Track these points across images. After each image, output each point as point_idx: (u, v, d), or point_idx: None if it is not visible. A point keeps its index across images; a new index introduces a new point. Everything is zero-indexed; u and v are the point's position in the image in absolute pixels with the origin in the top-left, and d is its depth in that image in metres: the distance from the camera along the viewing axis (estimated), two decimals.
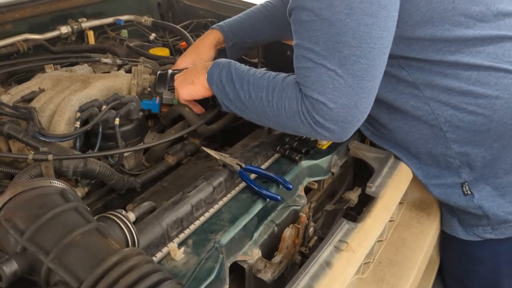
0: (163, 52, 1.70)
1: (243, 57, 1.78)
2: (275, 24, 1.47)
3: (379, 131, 1.20)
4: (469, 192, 1.08)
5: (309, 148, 1.10)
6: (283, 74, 1.03)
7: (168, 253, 0.82)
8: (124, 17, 1.83)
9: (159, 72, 1.33)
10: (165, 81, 1.30)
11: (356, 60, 0.87)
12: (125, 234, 0.70)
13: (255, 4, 1.95)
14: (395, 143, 1.18)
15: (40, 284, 0.69)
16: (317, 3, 0.87)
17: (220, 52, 1.46)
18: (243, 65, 1.09)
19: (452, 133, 1.05)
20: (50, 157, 0.97)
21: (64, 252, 0.60)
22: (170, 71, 1.32)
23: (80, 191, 1.12)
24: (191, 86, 1.18)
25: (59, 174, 1.06)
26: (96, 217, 0.71)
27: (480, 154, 1.05)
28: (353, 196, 1.13)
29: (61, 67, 1.47)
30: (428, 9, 0.94)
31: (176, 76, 1.24)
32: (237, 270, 0.91)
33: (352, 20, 0.85)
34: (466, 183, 1.08)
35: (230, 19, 1.50)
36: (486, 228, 1.09)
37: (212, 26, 1.47)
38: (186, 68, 1.29)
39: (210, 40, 1.43)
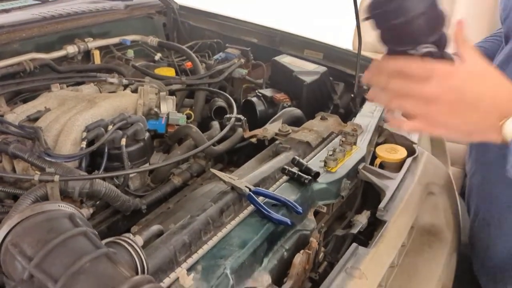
0: (169, 72, 1.70)
1: (247, 77, 1.79)
2: None
3: None
4: None
5: (318, 171, 1.08)
6: None
7: (177, 279, 0.79)
8: (130, 37, 1.84)
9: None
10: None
11: None
12: (135, 260, 0.68)
13: (260, 25, 1.98)
14: None
15: None
16: None
17: None
18: None
19: None
20: (56, 178, 0.96)
21: (73, 280, 0.58)
22: None
23: (85, 212, 1.10)
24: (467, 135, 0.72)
25: (65, 195, 1.04)
26: (104, 242, 0.69)
27: None
28: (363, 220, 1.11)
29: (67, 86, 1.46)
30: None
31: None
32: None
33: None
34: None
35: None
36: None
37: None
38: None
39: None
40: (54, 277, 0.58)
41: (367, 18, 0.73)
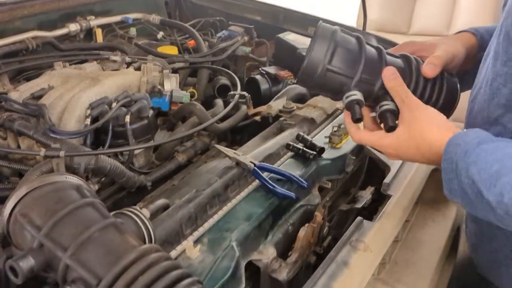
0: (172, 50, 1.69)
1: (251, 55, 1.77)
2: None
3: None
4: None
5: (323, 147, 1.08)
6: None
7: (183, 251, 0.80)
8: (132, 15, 1.82)
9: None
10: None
11: None
12: (142, 230, 0.69)
13: (263, 3, 1.95)
14: None
15: (51, 281, 0.67)
16: None
17: None
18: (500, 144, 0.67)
19: None
20: (61, 153, 0.96)
21: (82, 248, 0.59)
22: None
23: None
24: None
25: (70, 171, 1.04)
26: (112, 213, 0.69)
27: None
28: (367, 195, 1.11)
29: (70, 64, 1.46)
30: None
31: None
32: (251, 268, 0.89)
33: None
34: None
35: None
36: None
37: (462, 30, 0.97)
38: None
39: (459, 37, 0.94)
40: (64, 246, 0.59)
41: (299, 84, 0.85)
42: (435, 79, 0.82)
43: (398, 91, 0.77)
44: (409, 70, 0.80)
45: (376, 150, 0.84)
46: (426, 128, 0.74)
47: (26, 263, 0.58)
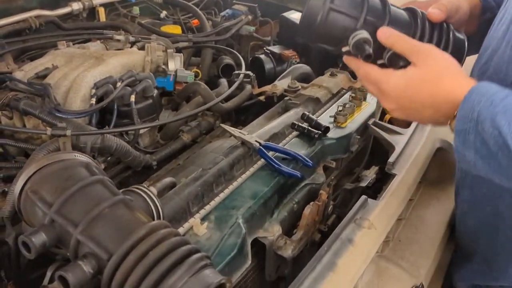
0: (175, 30, 1.67)
1: (255, 34, 1.76)
2: None
3: None
4: None
5: (328, 126, 1.09)
6: None
7: (190, 228, 0.81)
8: None
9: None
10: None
11: None
12: (150, 207, 0.70)
13: None
14: None
15: (59, 258, 0.69)
16: None
17: None
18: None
19: None
20: (68, 132, 0.96)
21: (93, 224, 0.60)
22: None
23: None
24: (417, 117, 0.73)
25: (77, 150, 1.05)
26: (121, 191, 0.70)
27: None
28: (371, 174, 1.12)
29: (73, 44, 1.45)
30: None
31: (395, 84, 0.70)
32: (257, 245, 0.90)
33: None
34: None
35: None
36: None
37: None
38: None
39: None
40: (75, 222, 0.60)
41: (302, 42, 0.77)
42: (441, 31, 0.76)
43: (401, 44, 0.69)
44: (415, 21, 0.75)
45: (378, 97, 0.74)
46: (446, 72, 0.65)
47: (39, 239, 0.59)
